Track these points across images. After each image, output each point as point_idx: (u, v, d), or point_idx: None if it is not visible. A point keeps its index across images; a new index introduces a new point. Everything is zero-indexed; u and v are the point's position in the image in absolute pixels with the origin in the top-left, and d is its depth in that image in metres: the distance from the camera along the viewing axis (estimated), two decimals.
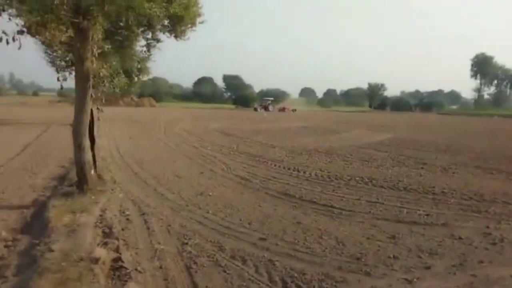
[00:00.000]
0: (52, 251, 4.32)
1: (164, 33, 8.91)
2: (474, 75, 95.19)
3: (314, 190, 8.16)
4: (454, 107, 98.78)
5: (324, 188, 8.31)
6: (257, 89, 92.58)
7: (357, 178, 9.34)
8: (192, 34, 8.98)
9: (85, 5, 5.93)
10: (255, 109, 59.75)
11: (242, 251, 4.84)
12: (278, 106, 67.03)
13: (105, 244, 4.71)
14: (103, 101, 8.91)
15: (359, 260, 4.64)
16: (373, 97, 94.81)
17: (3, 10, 5.55)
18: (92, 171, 7.28)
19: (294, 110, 61.85)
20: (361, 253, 4.84)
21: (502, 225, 6.03)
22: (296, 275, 4.21)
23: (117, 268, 4.18)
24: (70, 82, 7.46)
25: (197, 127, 24.05)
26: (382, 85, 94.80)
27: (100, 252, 4.39)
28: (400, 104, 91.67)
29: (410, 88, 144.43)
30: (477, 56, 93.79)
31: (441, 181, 9.29)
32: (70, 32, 6.70)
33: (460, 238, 5.46)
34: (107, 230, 5.25)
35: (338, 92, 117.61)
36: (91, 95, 7.17)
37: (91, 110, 7.26)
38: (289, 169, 10.56)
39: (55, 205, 6.17)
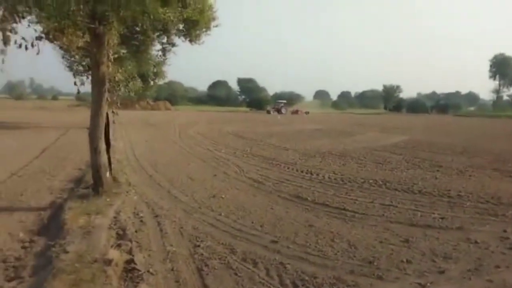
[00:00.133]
0: (67, 252, 4.42)
1: (179, 37, 9.05)
2: (493, 76, 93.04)
3: (327, 193, 8.11)
4: (472, 108, 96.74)
5: (337, 191, 8.26)
6: (271, 92, 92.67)
7: (370, 181, 9.25)
8: (207, 38, 9.12)
9: (101, 11, 6.07)
10: (268, 112, 59.74)
11: (253, 254, 4.85)
12: (291, 108, 66.84)
13: (119, 246, 4.79)
14: (119, 104, 9.08)
15: (372, 264, 4.60)
16: (388, 99, 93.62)
17: (23, 17, 5.71)
18: (108, 174, 7.41)
19: (307, 113, 61.62)
20: (373, 257, 4.80)
21: None
22: (307, 278, 4.20)
23: (129, 269, 4.25)
24: (87, 87, 7.62)
25: (211, 130, 24.20)
26: (398, 87, 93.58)
27: (114, 253, 4.47)
28: (416, 106, 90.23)
29: (426, 89, 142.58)
30: (496, 57, 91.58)
31: (457, 184, 9.13)
32: (87, 38, 6.87)
33: (476, 242, 5.35)
34: (121, 232, 5.34)
35: (352, 94, 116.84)
36: (107, 99, 7.31)
37: (107, 114, 7.40)
38: (302, 171, 10.54)
39: (71, 207, 6.30)
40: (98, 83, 6.96)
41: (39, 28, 6.06)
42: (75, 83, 7.72)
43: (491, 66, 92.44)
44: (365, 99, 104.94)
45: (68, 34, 6.41)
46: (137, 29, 8.41)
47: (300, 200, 7.56)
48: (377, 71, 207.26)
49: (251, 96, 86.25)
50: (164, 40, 9.43)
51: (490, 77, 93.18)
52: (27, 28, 5.91)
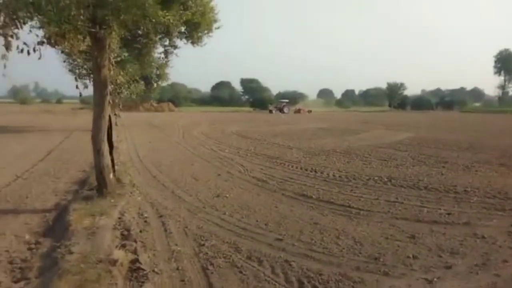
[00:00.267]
0: (72, 253, 4.43)
1: (181, 39, 9.06)
2: (497, 72, 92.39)
3: (332, 190, 8.08)
4: (477, 104, 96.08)
5: (341, 189, 8.22)
6: (274, 91, 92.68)
7: (375, 178, 9.20)
8: (209, 40, 9.13)
9: (101, 15, 6.07)
10: (270, 111, 59.66)
11: (258, 252, 4.83)
12: (293, 107, 66.75)
13: (123, 246, 4.79)
14: (121, 107, 9.09)
15: (377, 260, 4.57)
16: (392, 97, 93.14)
17: (24, 23, 5.73)
18: (111, 175, 7.42)
19: (309, 111, 61.65)
20: (379, 253, 4.76)
21: None
22: (312, 275, 4.18)
23: (134, 269, 4.25)
24: (90, 90, 7.63)
25: (215, 131, 24.20)
26: (402, 84, 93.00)
27: (118, 254, 4.47)
28: (421, 102, 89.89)
29: (430, 86, 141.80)
30: (500, 53, 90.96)
31: (464, 179, 9.06)
32: (88, 42, 6.89)
33: (483, 237, 5.30)
34: (125, 233, 5.34)
35: (356, 92, 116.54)
36: (109, 102, 7.32)
37: (109, 116, 7.41)
38: (306, 170, 10.50)
39: (75, 208, 6.32)
40: (100, 86, 6.97)
41: (40, 33, 6.07)
42: (76, 87, 7.73)
43: (495, 62, 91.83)
44: (369, 97, 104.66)
45: (69, 38, 6.42)
46: (139, 32, 8.42)
47: (304, 198, 7.53)
48: (380, 69, 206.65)
49: (255, 96, 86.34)
50: (166, 43, 9.45)
51: (495, 73, 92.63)
52: (28, 33, 5.94)
